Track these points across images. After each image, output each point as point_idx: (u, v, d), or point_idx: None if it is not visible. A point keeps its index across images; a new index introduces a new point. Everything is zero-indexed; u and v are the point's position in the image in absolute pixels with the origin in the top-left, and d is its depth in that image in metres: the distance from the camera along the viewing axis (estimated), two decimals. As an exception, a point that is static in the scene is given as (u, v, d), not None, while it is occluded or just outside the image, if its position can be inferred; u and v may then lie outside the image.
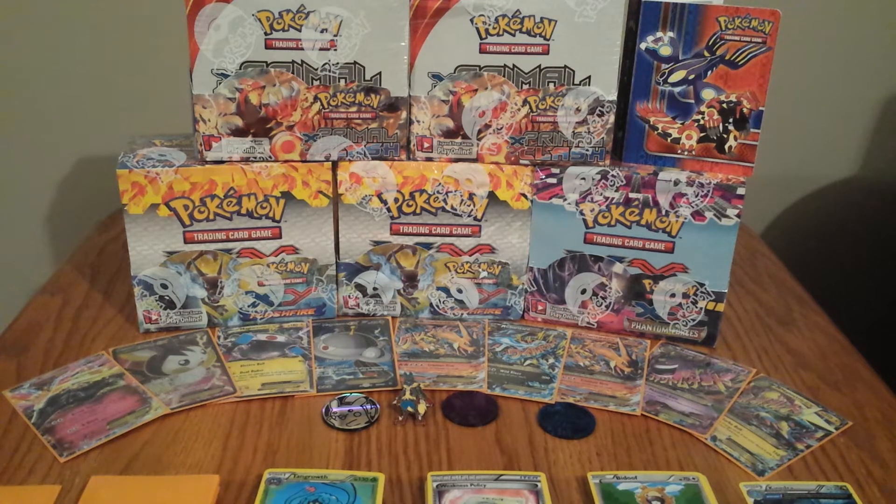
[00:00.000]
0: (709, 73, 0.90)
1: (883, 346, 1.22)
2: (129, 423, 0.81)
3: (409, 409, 0.83)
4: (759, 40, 0.88)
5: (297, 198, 0.94)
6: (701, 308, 0.97)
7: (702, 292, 0.96)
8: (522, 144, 0.94)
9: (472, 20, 0.89)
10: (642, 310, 0.98)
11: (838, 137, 1.47)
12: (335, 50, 0.89)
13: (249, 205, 0.94)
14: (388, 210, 0.96)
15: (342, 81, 0.90)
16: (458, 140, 0.94)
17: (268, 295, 0.99)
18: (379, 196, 0.96)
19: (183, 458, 0.78)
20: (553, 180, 0.95)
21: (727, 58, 0.89)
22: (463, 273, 0.99)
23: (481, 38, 0.89)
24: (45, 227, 1.45)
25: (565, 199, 0.95)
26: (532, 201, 0.96)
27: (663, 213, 0.93)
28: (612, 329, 1.00)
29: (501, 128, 0.93)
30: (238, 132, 0.91)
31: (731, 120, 0.91)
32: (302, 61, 0.89)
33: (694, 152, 0.93)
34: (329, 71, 0.90)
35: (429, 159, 0.95)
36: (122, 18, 1.31)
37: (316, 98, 0.91)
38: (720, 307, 0.96)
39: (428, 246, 0.98)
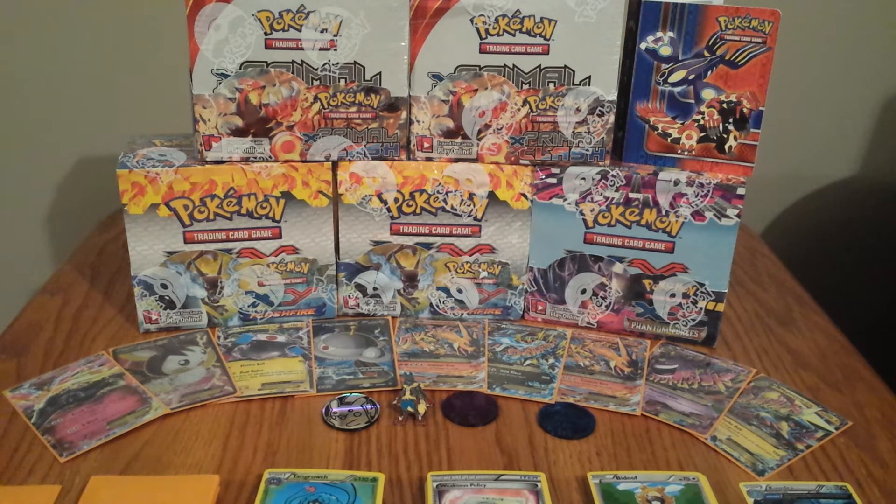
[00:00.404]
0: (709, 73, 0.90)
1: (883, 346, 1.22)
2: (129, 423, 0.81)
3: (409, 409, 0.83)
4: (759, 40, 0.88)
5: (297, 198, 0.94)
6: (701, 308, 0.97)
7: (702, 292, 0.96)
8: (522, 144, 0.94)
9: (472, 20, 0.89)
10: (642, 310, 0.98)
11: (838, 137, 1.47)
12: (335, 50, 0.89)
13: (249, 205, 0.94)
14: (388, 210, 0.96)
15: (342, 81, 0.90)
16: (458, 140, 0.94)
17: (268, 295, 0.99)
18: (379, 196, 0.96)
19: (183, 458, 0.78)
20: (553, 180, 0.95)
21: (727, 58, 0.89)
22: (463, 273, 0.99)
23: (481, 38, 0.89)
24: (45, 227, 1.45)
25: (565, 199, 0.95)
26: (532, 201, 0.96)
27: (663, 213, 0.93)
28: (612, 329, 1.00)
29: (501, 128, 0.93)
30: (238, 132, 0.91)
31: (731, 120, 0.91)
32: (302, 61, 0.89)
33: (694, 152, 0.93)
34: (329, 71, 0.90)
35: (429, 159, 0.95)
36: (122, 18, 1.31)
37: (316, 98, 0.91)
38: (720, 307, 0.96)
39: (428, 246, 0.98)
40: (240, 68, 0.89)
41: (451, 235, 0.98)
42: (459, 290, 1.01)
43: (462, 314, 1.02)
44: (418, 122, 0.93)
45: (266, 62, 0.89)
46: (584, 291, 0.99)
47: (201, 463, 0.77)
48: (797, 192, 1.52)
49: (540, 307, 1.01)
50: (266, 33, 0.88)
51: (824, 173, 1.51)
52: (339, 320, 1.01)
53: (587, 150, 0.94)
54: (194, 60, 0.88)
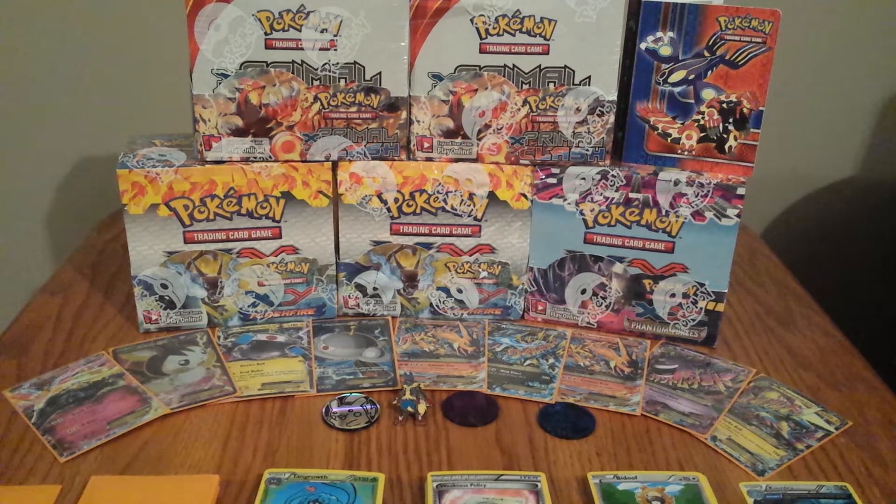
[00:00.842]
0: (709, 73, 0.90)
1: (883, 346, 1.22)
2: (129, 423, 0.81)
3: (409, 409, 0.83)
4: (759, 40, 0.88)
5: (297, 198, 0.94)
6: (701, 308, 0.97)
7: (702, 292, 0.96)
8: (522, 144, 0.94)
9: (472, 20, 0.89)
10: (642, 310, 0.98)
11: (838, 137, 1.47)
12: (335, 50, 0.89)
13: (249, 205, 0.94)
14: (388, 210, 0.96)
15: (342, 81, 0.90)
16: (458, 140, 0.94)
17: (268, 295, 0.99)
18: (379, 196, 0.96)
19: (183, 458, 0.78)
20: (553, 180, 0.95)
21: (727, 58, 0.89)
22: (463, 273, 0.99)
23: (481, 38, 0.89)
24: (45, 227, 1.45)
25: (565, 199, 0.95)
26: (532, 201, 0.96)
27: (663, 213, 0.93)
28: (612, 329, 1.00)
29: (501, 128, 0.93)
30: (238, 132, 0.91)
31: (731, 120, 0.91)
32: (302, 61, 0.89)
33: (694, 152, 0.93)
34: (329, 71, 0.90)
35: (429, 159, 0.95)
36: (122, 18, 1.31)
37: (316, 98, 0.91)
38: (720, 307, 0.96)
39: (428, 246, 0.98)
40: (240, 68, 0.89)
41: (451, 235, 0.98)
42: (459, 290, 1.01)
43: (462, 314, 1.02)
44: (418, 122, 0.93)
45: (266, 62, 0.89)
46: (584, 291, 0.99)
47: (201, 463, 0.77)
48: (797, 192, 1.52)
49: (540, 307, 1.01)
50: (266, 33, 0.88)
51: (824, 173, 1.51)
52: (339, 320, 1.01)
53: (587, 150, 0.94)
54: (194, 60, 0.88)
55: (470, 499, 0.72)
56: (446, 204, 0.96)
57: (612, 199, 0.94)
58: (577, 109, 0.92)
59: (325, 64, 0.90)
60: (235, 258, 0.96)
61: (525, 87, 0.91)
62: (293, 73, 0.90)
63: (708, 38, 0.89)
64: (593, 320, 1.00)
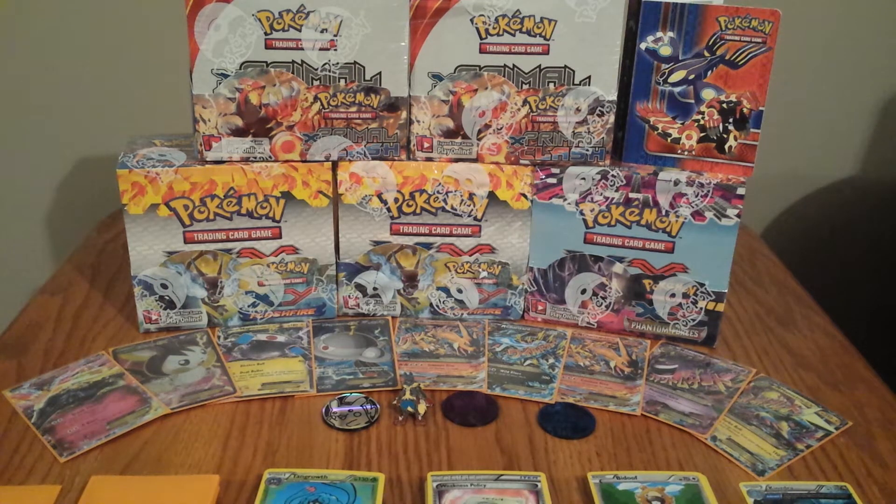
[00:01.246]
0: (709, 73, 0.90)
1: (883, 346, 1.22)
2: (129, 423, 0.81)
3: (409, 409, 0.83)
4: (759, 40, 0.88)
5: (297, 198, 0.94)
6: (701, 308, 0.97)
7: (702, 292, 0.96)
8: (522, 144, 0.94)
9: (472, 20, 0.89)
10: (642, 310, 0.98)
11: (838, 137, 1.47)
12: (335, 50, 0.89)
13: (249, 205, 0.94)
14: (388, 210, 0.96)
15: (342, 81, 0.90)
16: (458, 140, 0.94)
17: (268, 295, 0.99)
18: (379, 196, 0.96)
19: (183, 458, 0.78)
20: (553, 180, 0.95)
21: (727, 58, 0.89)
22: (463, 273, 0.99)
23: (481, 38, 0.89)
24: (45, 227, 1.45)
25: (565, 199, 0.95)
26: (532, 201, 0.96)
27: (663, 213, 0.93)
28: (612, 329, 1.00)
29: (501, 128, 0.93)
30: (238, 132, 0.91)
31: (731, 120, 0.91)
32: (302, 61, 0.89)
33: (694, 152, 0.93)
34: (329, 71, 0.90)
35: (429, 159, 0.95)
36: (122, 18, 1.31)
37: (316, 98, 0.91)
38: (720, 307, 0.96)
39: (428, 246, 0.98)
40: (240, 68, 0.89)
41: (451, 235, 0.98)
42: (459, 290, 1.01)
43: (462, 314, 1.02)
44: (418, 122, 0.93)
45: (266, 62, 0.89)
46: (584, 291, 0.99)
47: (201, 463, 0.77)
48: (797, 192, 1.52)
49: (540, 307, 1.01)
50: (266, 33, 0.88)
51: (824, 173, 1.51)
52: (339, 320, 1.01)
53: (587, 150, 0.94)
54: (194, 60, 0.88)
55: (470, 499, 0.72)
56: (446, 204, 0.96)
57: (612, 199, 0.94)
58: (577, 109, 0.92)
59: (325, 64, 0.90)
60: (235, 258, 0.96)
61: (525, 87, 0.91)
62: (293, 73, 0.90)
63: (708, 38, 0.89)
64: (593, 320, 1.00)
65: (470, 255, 0.99)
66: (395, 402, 0.85)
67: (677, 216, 0.93)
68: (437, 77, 0.91)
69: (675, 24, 0.89)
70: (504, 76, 0.91)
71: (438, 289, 1.00)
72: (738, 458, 0.79)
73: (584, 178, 0.94)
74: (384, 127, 0.93)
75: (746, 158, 0.92)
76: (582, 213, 0.95)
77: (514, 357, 0.94)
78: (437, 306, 1.01)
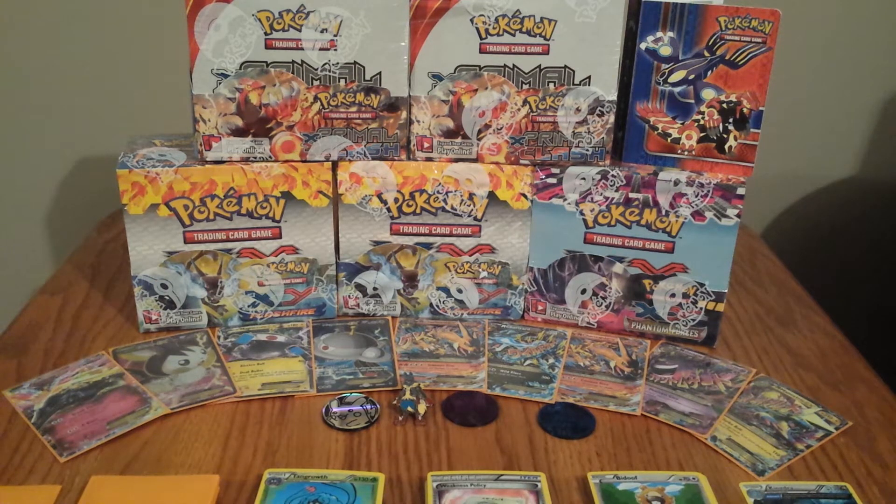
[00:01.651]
0: (709, 73, 0.90)
1: (883, 346, 1.22)
2: (129, 423, 0.81)
3: (409, 409, 0.83)
4: (759, 40, 0.88)
5: (297, 198, 0.95)
6: (701, 308, 0.97)
7: (702, 292, 0.96)
8: (522, 144, 0.94)
9: (472, 20, 0.89)
10: (642, 310, 0.98)
11: (838, 137, 1.47)
12: (335, 50, 0.89)
13: (249, 205, 0.94)
14: (388, 210, 0.96)
15: (342, 81, 0.90)
16: (458, 140, 0.94)
17: (268, 295, 0.99)
18: (379, 196, 0.96)
19: (183, 458, 0.78)
20: (553, 180, 0.95)
21: (727, 58, 0.89)
22: (463, 273, 0.99)
23: (481, 38, 0.89)
24: (45, 227, 1.45)
25: (565, 199, 0.95)
26: (532, 201, 0.96)
27: (663, 213, 0.93)
28: (612, 329, 1.00)
29: (501, 128, 0.93)
30: (238, 132, 0.91)
31: (731, 120, 0.91)
32: (302, 61, 0.89)
33: (694, 152, 0.93)
34: (329, 71, 0.90)
35: (429, 159, 0.95)
36: (122, 18, 1.31)
37: (316, 98, 0.91)
38: (720, 307, 0.96)
39: (428, 246, 0.98)
40: (240, 68, 0.89)
41: (451, 235, 0.98)
42: (459, 290, 1.01)
43: (462, 314, 1.02)
44: (418, 122, 0.93)
45: (266, 62, 0.89)
46: (584, 291, 0.99)
47: (201, 463, 0.77)
48: (797, 192, 1.52)
49: (540, 307, 1.01)
50: (266, 33, 0.88)
51: (824, 173, 1.51)
52: (339, 320, 1.01)
53: (587, 150, 0.94)
54: (194, 60, 0.88)
55: (470, 499, 0.72)
56: (446, 204, 0.96)
57: (612, 199, 0.94)
58: (577, 109, 0.92)
59: (325, 64, 0.90)
60: (235, 258, 0.96)
61: (525, 87, 0.91)
62: (293, 73, 0.90)
63: (708, 38, 0.89)
64: (593, 320, 1.00)
65: (470, 255, 0.99)
66: (395, 402, 0.85)
67: (677, 216, 0.93)
68: (437, 77, 0.91)
69: (675, 24, 0.89)
70: (504, 76, 0.91)
71: (438, 289, 1.00)
72: (738, 458, 0.79)
73: (584, 178, 0.94)
74: (384, 127, 0.93)
75: (746, 158, 0.92)
76: (582, 213, 0.95)
77: (514, 357, 0.94)
78: (437, 306, 1.01)
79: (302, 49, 0.89)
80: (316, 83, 0.90)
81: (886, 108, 1.45)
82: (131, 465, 0.76)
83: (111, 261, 1.15)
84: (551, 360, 0.94)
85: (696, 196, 0.92)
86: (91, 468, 0.76)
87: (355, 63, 0.90)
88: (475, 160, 0.95)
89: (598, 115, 0.92)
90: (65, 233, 1.45)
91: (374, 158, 0.94)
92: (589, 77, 0.91)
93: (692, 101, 0.91)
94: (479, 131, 0.93)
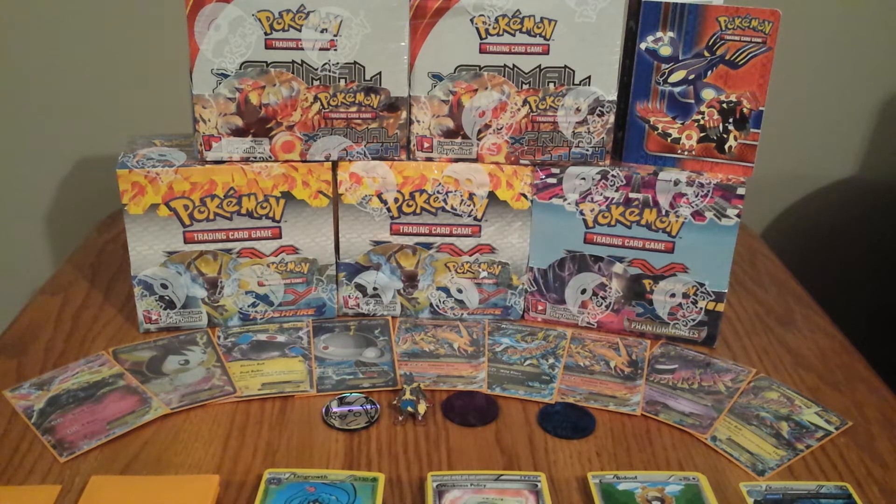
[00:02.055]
0: (709, 73, 0.90)
1: (883, 346, 1.22)
2: (129, 423, 0.81)
3: (409, 409, 0.83)
4: (759, 40, 0.88)
5: (297, 198, 0.95)
6: (701, 308, 0.97)
7: (702, 292, 0.96)
8: (522, 144, 0.94)
9: (472, 20, 0.89)
10: (642, 310, 0.98)
11: (838, 137, 1.47)
12: (335, 50, 0.89)
13: (249, 205, 0.94)
14: (388, 210, 0.96)
15: (342, 81, 0.90)
16: (458, 140, 0.94)
17: (268, 295, 0.99)
18: (379, 196, 0.96)
19: (183, 458, 0.78)
20: (553, 180, 0.95)
21: (727, 58, 0.89)
22: (463, 273, 0.99)
23: (481, 38, 0.89)
24: (45, 227, 1.45)
25: (565, 199, 0.95)
26: (532, 201, 0.96)
27: (663, 213, 0.93)
28: (612, 329, 1.00)
29: (501, 128, 0.93)
30: (238, 132, 0.91)
31: (731, 120, 0.91)
32: (302, 61, 0.89)
33: (694, 152, 0.93)
34: (329, 71, 0.90)
35: (429, 159, 0.95)
36: (122, 18, 1.31)
37: (316, 98, 0.91)
38: (720, 307, 0.96)
39: (428, 246, 0.98)
40: (240, 68, 0.89)
41: (451, 235, 0.98)
42: (459, 290, 1.01)
43: (462, 314, 1.02)
44: (418, 122, 0.93)
45: (266, 62, 0.89)
46: (584, 291, 0.99)
47: (201, 463, 0.77)
48: (797, 192, 1.52)
49: (540, 307, 1.01)
50: (266, 33, 0.88)
51: (824, 173, 1.51)
52: (339, 320, 1.01)
53: (587, 150, 0.94)
54: (194, 60, 0.88)
55: (470, 499, 0.72)
56: (446, 204, 0.96)
57: (612, 199, 0.94)
58: (577, 109, 0.92)
59: (325, 64, 0.90)
60: (235, 258, 0.96)
61: (525, 87, 0.91)
62: (293, 73, 0.90)
63: (708, 38, 0.89)
64: (593, 320, 1.00)
65: (470, 255, 0.99)
66: (395, 402, 0.85)
67: (677, 216, 0.93)
68: (437, 77, 0.91)
69: (675, 24, 0.89)
70: (504, 76, 0.91)
71: (438, 289, 1.00)
72: (738, 458, 0.79)
73: (584, 178, 0.94)
74: (384, 127, 0.93)
75: (746, 158, 0.92)
76: (582, 213, 0.95)
77: (514, 357, 0.94)
78: (437, 306, 1.01)
79: (302, 49, 0.89)
80: (316, 83, 0.90)
81: (886, 108, 1.45)
82: (131, 465, 0.76)
83: (111, 261, 1.15)
84: (551, 360, 0.94)
85: (696, 196, 0.92)
86: (91, 468, 0.76)
87: (355, 63, 0.90)
88: (475, 160, 0.95)
89: (598, 115, 0.92)
90: (65, 233, 1.45)
91: (374, 158, 0.94)
92: (589, 77, 0.91)
93: (692, 101, 0.91)
94: (479, 131, 0.93)
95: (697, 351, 0.97)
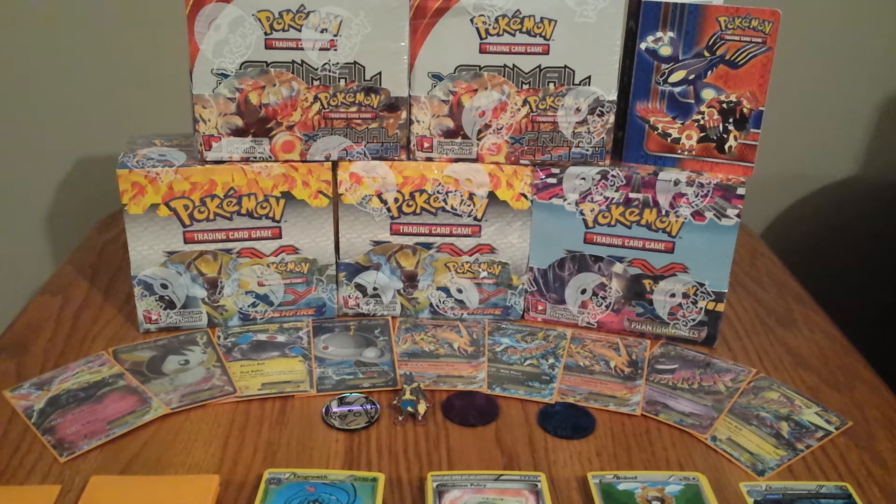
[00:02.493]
0: (709, 73, 0.90)
1: (883, 346, 1.22)
2: (129, 423, 0.81)
3: (409, 409, 0.83)
4: (759, 40, 0.88)
5: (297, 198, 0.95)
6: (701, 308, 0.97)
7: (702, 292, 0.96)
8: (522, 144, 0.94)
9: (472, 20, 0.89)
10: (642, 310, 0.98)
11: (838, 137, 1.47)
12: (335, 50, 0.89)
13: (249, 205, 0.94)
14: (388, 210, 0.96)
15: (342, 81, 0.90)
16: (458, 140, 0.94)
17: (268, 295, 0.99)
18: (379, 196, 0.96)
19: (183, 458, 0.78)
20: (553, 180, 0.95)
21: (727, 58, 0.89)
22: (463, 273, 0.99)
23: (481, 38, 0.89)
24: (45, 227, 1.45)
25: (565, 199, 0.95)
26: (532, 201, 0.96)
27: (663, 213, 0.93)
28: (612, 329, 1.00)
29: (501, 128, 0.93)
30: (238, 132, 0.91)
31: (731, 120, 0.91)
32: (302, 61, 0.89)
33: (694, 152, 0.93)
34: (329, 71, 0.90)
35: (429, 159, 0.95)
36: (122, 19, 1.31)
37: (316, 98, 0.91)
38: (720, 307, 0.96)
39: (428, 246, 0.98)
40: (240, 68, 0.89)
41: (451, 235, 0.98)
42: (459, 290, 1.01)
43: (462, 314, 1.02)
44: (418, 122, 0.93)
45: (266, 62, 0.89)
46: (584, 291, 0.99)
47: (201, 463, 0.77)
48: (797, 192, 1.52)
49: (540, 307, 1.01)
50: (266, 33, 0.88)
51: (824, 173, 1.51)
52: (339, 320, 1.01)
53: (587, 150, 0.94)
54: (194, 60, 0.88)
55: (470, 499, 0.72)
56: (446, 204, 0.96)
57: (612, 199, 0.94)
58: (577, 109, 0.92)
59: (325, 64, 0.90)
60: (235, 258, 0.96)
61: (525, 87, 0.91)
62: (293, 73, 0.90)
63: (708, 38, 0.89)
64: (593, 320, 1.00)
65: (470, 255, 0.99)
66: (395, 402, 0.85)
67: (677, 216, 0.93)
68: (437, 77, 0.91)
69: (675, 24, 0.89)
70: (504, 76, 0.91)
71: (438, 289, 1.00)
72: (738, 458, 0.79)
73: (584, 178, 0.94)
74: (384, 127, 0.93)
75: (746, 158, 0.92)
76: (582, 213, 0.95)
77: (514, 357, 0.94)
78: (437, 306, 1.01)
79: (302, 49, 0.89)
80: (316, 83, 0.90)
81: (886, 108, 1.45)
82: (131, 465, 0.76)
83: (111, 261, 1.15)
84: (551, 360, 0.94)
85: (696, 196, 0.92)
86: (91, 468, 0.76)
87: (355, 63, 0.90)
88: (475, 160, 0.95)
89: (598, 115, 0.92)
90: (65, 233, 1.45)
91: (374, 158, 0.94)
92: (589, 77, 0.91)
93: (692, 101, 0.91)
94: (479, 131, 0.93)
95: (697, 351, 0.97)
